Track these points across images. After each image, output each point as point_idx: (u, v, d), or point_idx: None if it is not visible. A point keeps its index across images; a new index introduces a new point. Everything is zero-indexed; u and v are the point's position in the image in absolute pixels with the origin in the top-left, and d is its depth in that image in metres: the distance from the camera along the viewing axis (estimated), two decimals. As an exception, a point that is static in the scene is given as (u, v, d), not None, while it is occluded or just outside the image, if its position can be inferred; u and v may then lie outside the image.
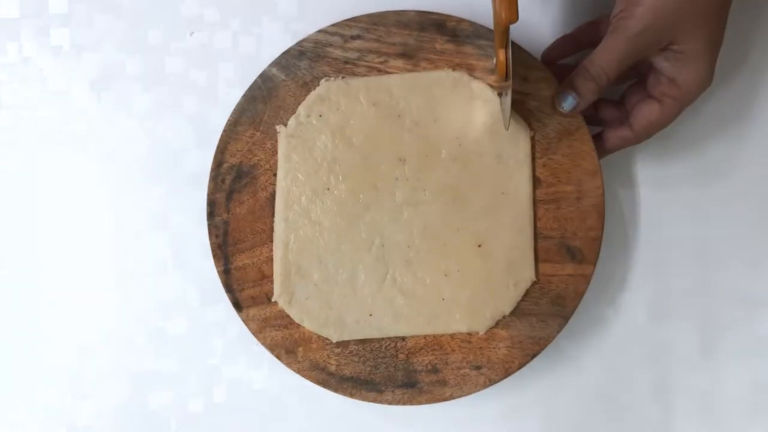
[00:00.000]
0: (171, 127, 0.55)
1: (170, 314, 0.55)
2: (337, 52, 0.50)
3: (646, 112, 0.47)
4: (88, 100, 0.55)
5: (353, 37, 0.50)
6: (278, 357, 0.49)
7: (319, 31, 0.50)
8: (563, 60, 0.52)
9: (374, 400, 0.49)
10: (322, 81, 0.50)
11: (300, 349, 0.49)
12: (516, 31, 0.54)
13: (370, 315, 0.48)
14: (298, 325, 0.49)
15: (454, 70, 0.49)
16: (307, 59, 0.50)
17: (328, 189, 0.49)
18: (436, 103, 0.49)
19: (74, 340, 0.55)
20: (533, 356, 0.48)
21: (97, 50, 0.55)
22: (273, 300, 0.49)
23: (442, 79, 0.49)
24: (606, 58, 0.45)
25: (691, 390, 0.54)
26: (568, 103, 0.47)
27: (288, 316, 0.49)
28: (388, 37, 0.50)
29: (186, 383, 0.55)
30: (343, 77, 0.50)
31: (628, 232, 0.55)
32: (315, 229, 0.49)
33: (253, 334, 0.49)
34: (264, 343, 0.49)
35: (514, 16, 0.39)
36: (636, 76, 0.49)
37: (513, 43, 0.49)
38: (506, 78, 0.44)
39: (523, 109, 0.49)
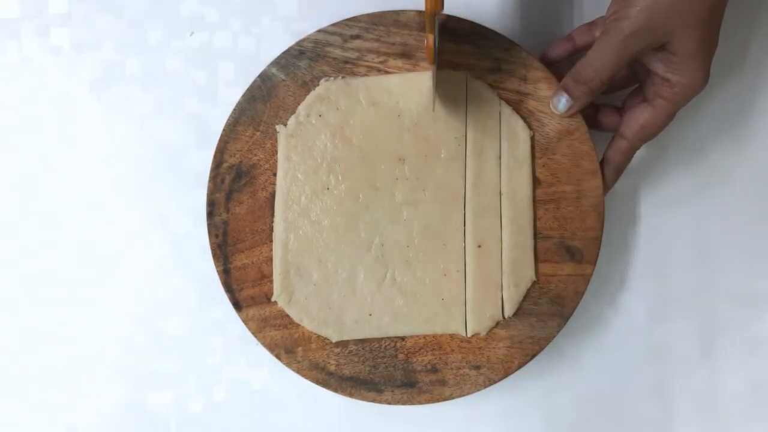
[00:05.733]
0: (171, 127, 0.55)
1: (170, 314, 0.55)
2: (337, 52, 0.50)
3: (637, 116, 0.47)
4: (88, 100, 0.55)
5: (353, 37, 0.50)
6: (278, 357, 0.49)
7: (319, 31, 0.50)
8: (563, 61, 0.52)
9: (374, 400, 0.49)
10: (322, 81, 0.50)
11: (299, 348, 0.49)
12: (516, 31, 0.54)
13: (370, 315, 0.48)
14: (298, 325, 0.49)
15: (454, 70, 0.49)
16: (306, 59, 0.50)
17: (328, 189, 0.49)
18: (436, 102, 0.49)
19: (74, 340, 0.55)
20: (533, 356, 0.48)
21: (97, 50, 0.55)
22: (272, 300, 0.49)
23: (441, 79, 0.49)
24: (599, 60, 0.45)
25: (691, 390, 0.54)
26: (562, 105, 0.48)
27: (287, 315, 0.49)
28: (387, 37, 0.50)
29: (186, 383, 0.55)
30: (342, 77, 0.50)
31: (628, 232, 0.55)
32: (314, 229, 0.49)
33: (253, 333, 0.49)
34: (263, 343, 0.49)
35: (438, 5, 0.39)
36: (637, 81, 0.49)
37: (513, 43, 0.49)
38: (433, 62, 0.44)
39: (523, 109, 0.49)
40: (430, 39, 0.42)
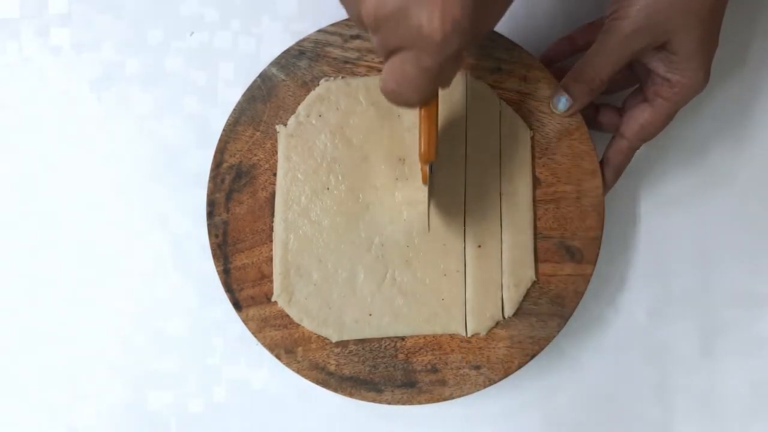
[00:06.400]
0: (171, 127, 0.55)
1: (170, 314, 0.55)
2: (337, 52, 0.50)
3: (637, 116, 0.47)
4: (88, 100, 0.55)
5: (353, 37, 0.50)
6: (278, 357, 0.49)
7: (319, 31, 0.50)
8: (563, 61, 0.52)
9: (374, 400, 0.49)
10: (322, 81, 0.50)
11: (299, 348, 0.49)
12: (516, 31, 0.54)
13: (370, 315, 0.48)
14: (298, 325, 0.49)
15: (453, 69, 0.49)
16: (306, 59, 0.50)
17: (328, 189, 0.49)
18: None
19: (74, 340, 0.55)
20: (533, 356, 0.48)
21: (97, 50, 0.55)
22: (272, 300, 0.49)
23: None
24: (598, 59, 0.45)
25: (691, 390, 0.54)
26: (562, 105, 0.48)
27: (287, 315, 0.49)
28: (387, 37, 0.50)
29: (186, 383, 0.55)
30: (342, 77, 0.50)
31: (628, 232, 0.55)
32: (314, 229, 0.49)
33: (253, 333, 0.49)
34: (263, 343, 0.49)
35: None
36: (637, 81, 0.49)
37: (514, 44, 0.49)
38: (425, 183, 0.45)
39: (522, 109, 0.49)
40: (425, 168, 0.43)
